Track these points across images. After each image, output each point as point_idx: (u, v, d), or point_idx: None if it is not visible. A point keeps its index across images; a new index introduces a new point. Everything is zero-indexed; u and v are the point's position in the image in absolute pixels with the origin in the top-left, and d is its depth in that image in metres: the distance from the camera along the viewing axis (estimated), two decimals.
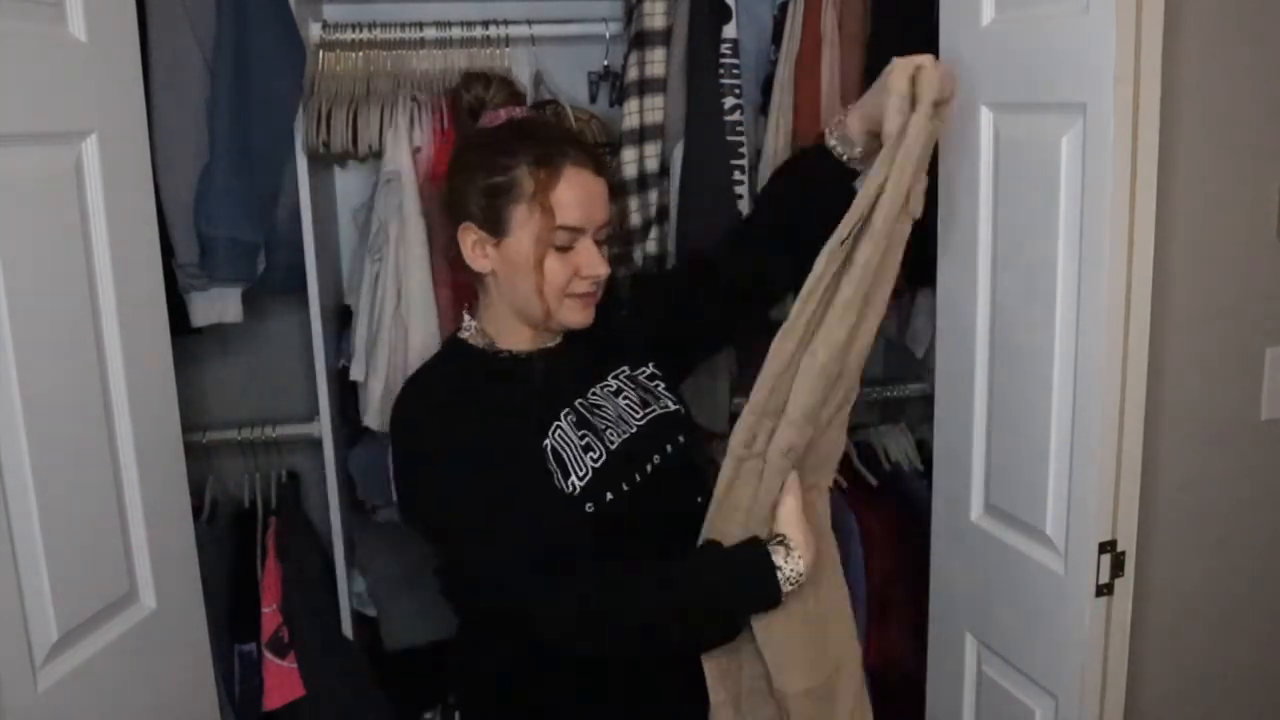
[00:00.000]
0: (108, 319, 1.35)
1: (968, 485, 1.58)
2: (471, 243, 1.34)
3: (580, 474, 1.30)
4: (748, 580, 1.24)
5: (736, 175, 1.94)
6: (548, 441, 1.31)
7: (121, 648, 1.37)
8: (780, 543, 1.25)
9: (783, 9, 1.96)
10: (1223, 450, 1.57)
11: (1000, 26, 1.44)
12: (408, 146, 1.95)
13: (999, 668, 1.56)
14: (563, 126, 1.34)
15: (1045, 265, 1.37)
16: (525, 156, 1.30)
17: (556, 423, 1.33)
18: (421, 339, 1.89)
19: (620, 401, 1.41)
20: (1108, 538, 1.34)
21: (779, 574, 1.22)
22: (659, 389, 1.47)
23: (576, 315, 1.36)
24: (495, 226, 1.32)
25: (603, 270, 1.33)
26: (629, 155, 1.93)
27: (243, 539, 2.16)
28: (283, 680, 2.00)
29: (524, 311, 1.36)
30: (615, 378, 1.44)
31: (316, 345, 2.09)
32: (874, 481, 2.29)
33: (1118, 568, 1.35)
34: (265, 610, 2.02)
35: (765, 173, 1.98)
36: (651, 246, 2.00)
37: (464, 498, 1.25)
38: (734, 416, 2.25)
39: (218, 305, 2.00)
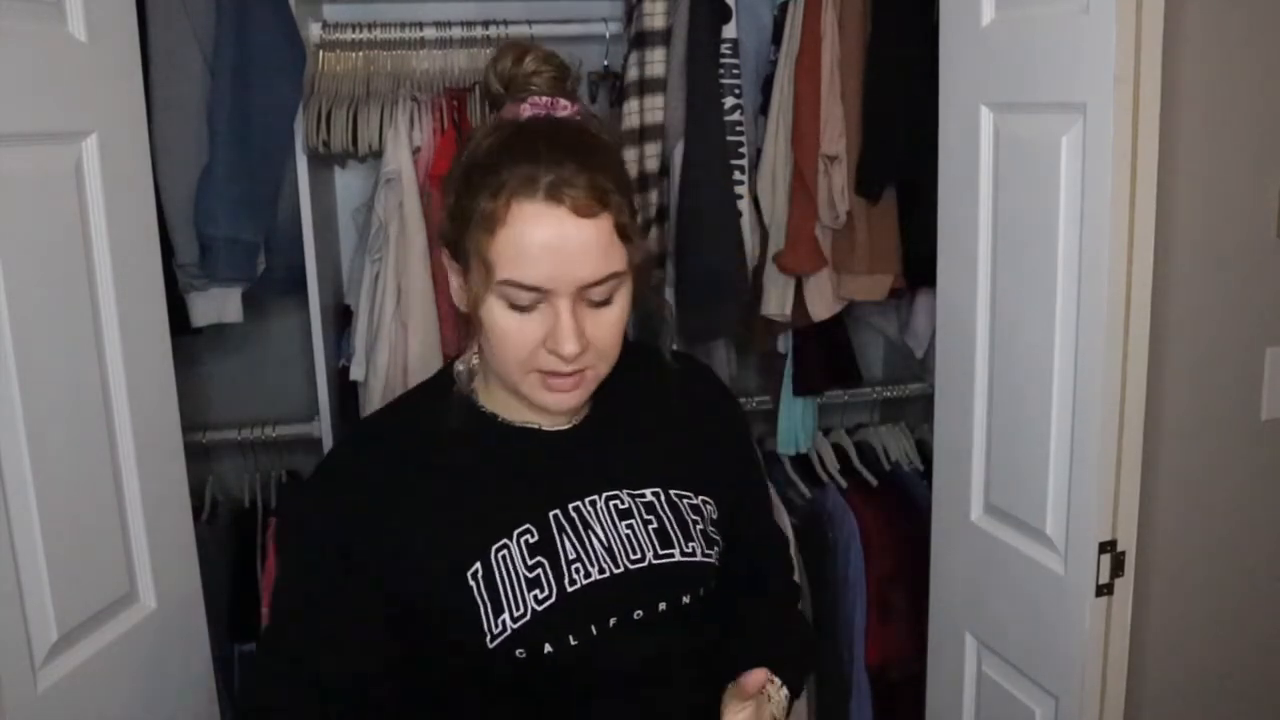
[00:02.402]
0: (108, 319, 1.35)
1: (968, 485, 1.58)
2: (447, 270, 1.03)
3: (516, 614, 0.97)
4: None
5: (736, 175, 1.94)
6: (477, 566, 0.98)
7: (121, 648, 1.37)
8: None
9: (783, 9, 1.96)
10: (1223, 450, 1.57)
11: (1000, 26, 1.44)
12: (408, 146, 1.95)
13: (999, 668, 1.56)
14: (585, 138, 0.97)
15: (1045, 265, 1.37)
16: (495, 177, 0.93)
17: (504, 541, 1.00)
18: (421, 339, 1.90)
19: (621, 528, 1.04)
20: (1108, 538, 1.34)
21: None
22: (697, 528, 1.08)
23: (545, 397, 0.99)
24: (458, 259, 1.00)
25: (568, 348, 0.94)
26: (629, 155, 1.93)
27: (243, 539, 2.16)
28: None
29: (499, 373, 1.02)
30: (635, 497, 1.06)
31: (316, 345, 2.09)
32: (874, 481, 2.29)
33: (1118, 568, 1.35)
34: (265, 610, 2.02)
35: (765, 173, 1.98)
36: (651, 246, 2.00)
37: (304, 593, 1.03)
38: None
39: (218, 305, 2.01)
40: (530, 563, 0.99)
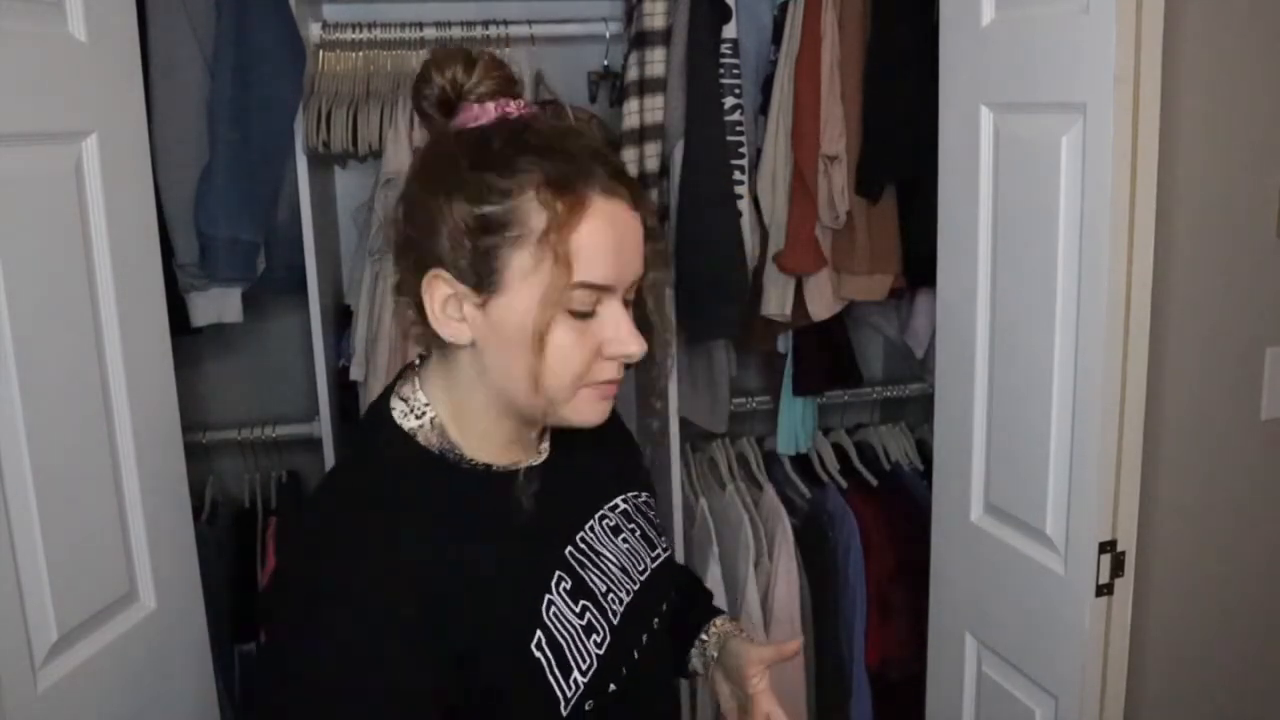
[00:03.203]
0: (108, 319, 1.35)
1: (968, 485, 1.58)
2: (442, 299, 0.88)
3: (584, 667, 0.91)
4: None
5: (736, 175, 1.94)
6: (539, 635, 0.89)
7: (121, 648, 1.37)
8: None
9: (783, 9, 1.96)
10: (1223, 450, 1.57)
11: (1000, 26, 1.44)
12: (408, 146, 1.95)
13: (999, 668, 1.56)
14: (590, 134, 0.92)
15: (1045, 265, 1.37)
16: (534, 176, 0.85)
17: (550, 598, 0.92)
18: None
19: (620, 545, 1.01)
20: (1108, 538, 1.34)
21: None
22: (656, 522, 1.09)
23: (591, 413, 0.92)
24: (483, 279, 0.87)
25: (635, 348, 0.88)
26: (629, 155, 1.93)
27: (243, 539, 2.16)
28: None
29: (512, 402, 0.91)
30: (613, 510, 1.04)
31: (316, 345, 2.09)
32: (874, 481, 2.29)
33: (1118, 568, 1.35)
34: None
35: (765, 173, 1.98)
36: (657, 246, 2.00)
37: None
38: (734, 417, 2.27)
39: (218, 305, 2.01)
40: (578, 609, 0.93)
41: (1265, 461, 1.60)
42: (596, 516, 1.02)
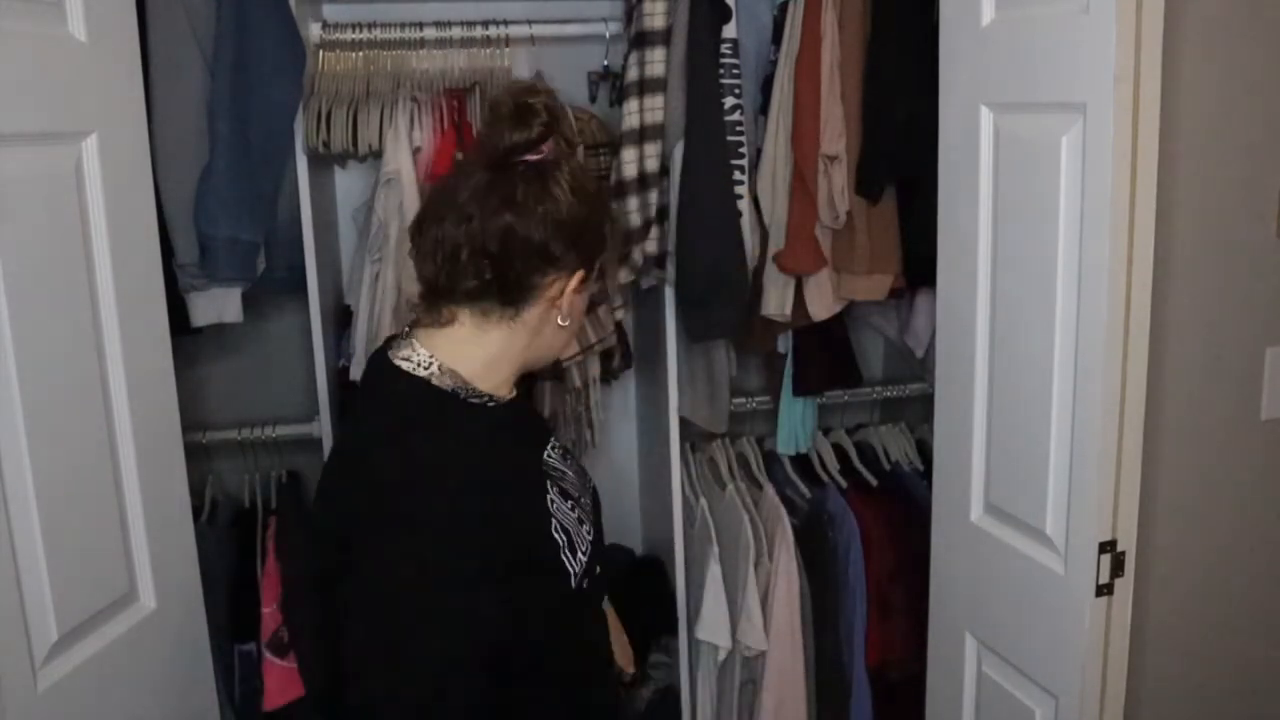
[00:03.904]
0: (108, 319, 1.35)
1: (968, 485, 1.58)
2: (575, 287, 1.17)
3: (583, 549, 1.20)
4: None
5: (736, 175, 1.94)
6: (553, 519, 1.18)
7: (121, 648, 1.37)
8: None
9: (783, 9, 1.96)
10: (1223, 450, 1.57)
11: (1000, 26, 1.44)
12: (408, 146, 1.95)
13: (999, 668, 1.56)
14: None
15: (1045, 265, 1.37)
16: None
17: (549, 494, 1.20)
18: None
19: (569, 468, 1.29)
20: (1108, 538, 1.34)
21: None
22: (580, 462, 1.40)
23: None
24: (594, 274, 1.20)
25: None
26: (629, 155, 1.93)
27: (243, 539, 2.16)
28: (282, 680, 2.00)
29: (541, 358, 1.24)
30: (555, 446, 1.31)
31: (316, 345, 2.09)
32: (874, 481, 2.29)
33: (1118, 568, 1.35)
34: (265, 610, 2.02)
35: (765, 173, 1.98)
36: (651, 246, 2.00)
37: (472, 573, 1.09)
38: (734, 417, 2.28)
39: (218, 305, 2.01)
40: (568, 506, 1.21)
41: (1265, 461, 1.60)
42: (549, 446, 1.29)
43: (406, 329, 1.22)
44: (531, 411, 1.35)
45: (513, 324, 1.16)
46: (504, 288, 1.14)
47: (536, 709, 1.18)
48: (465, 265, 1.13)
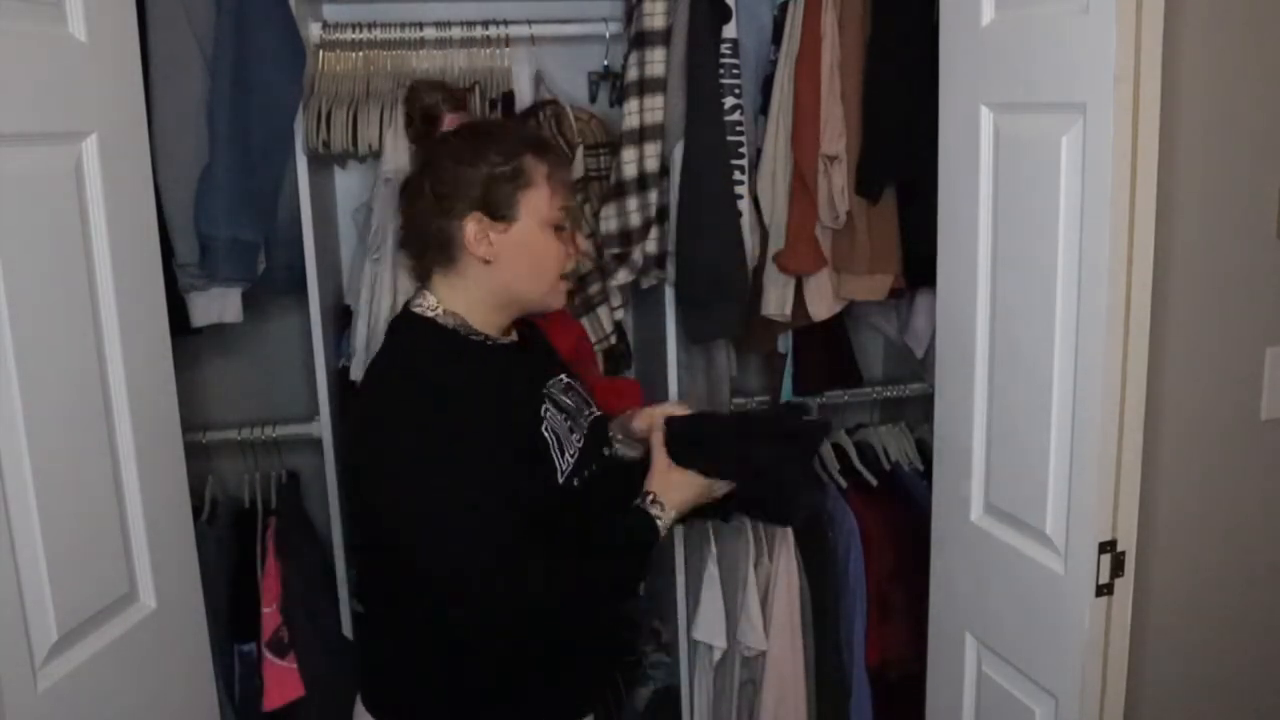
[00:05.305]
0: (108, 319, 1.35)
1: (968, 485, 1.58)
2: (475, 231, 1.36)
3: (570, 452, 1.41)
4: (641, 540, 1.41)
5: (736, 175, 1.94)
6: (545, 422, 1.40)
7: (121, 648, 1.37)
8: (653, 500, 1.42)
9: (783, 9, 1.96)
10: (1223, 450, 1.57)
11: (1000, 26, 1.44)
12: (407, 146, 1.95)
13: (999, 668, 1.56)
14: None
15: (1045, 265, 1.36)
16: (523, 148, 1.39)
17: (544, 406, 1.42)
18: None
19: (569, 399, 1.49)
20: (1108, 538, 1.34)
21: (658, 523, 1.41)
22: (590, 398, 1.57)
23: (559, 299, 1.45)
24: (504, 213, 1.37)
25: (586, 245, 1.49)
26: (629, 155, 1.93)
27: (243, 539, 2.16)
28: (283, 680, 2.00)
29: (517, 299, 1.42)
30: (558, 381, 1.51)
31: (316, 345, 2.09)
32: (874, 481, 2.29)
33: (1118, 568, 1.35)
34: (265, 610, 2.03)
35: (765, 173, 1.99)
36: (651, 246, 2.00)
37: (452, 485, 1.28)
38: None
39: (218, 305, 2.01)
40: (561, 418, 1.43)
41: (1265, 461, 1.60)
42: (550, 382, 1.49)
43: (417, 289, 1.46)
44: (538, 355, 1.53)
45: (459, 272, 1.39)
46: (432, 246, 1.39)
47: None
48: (406, 239, 1.44)
